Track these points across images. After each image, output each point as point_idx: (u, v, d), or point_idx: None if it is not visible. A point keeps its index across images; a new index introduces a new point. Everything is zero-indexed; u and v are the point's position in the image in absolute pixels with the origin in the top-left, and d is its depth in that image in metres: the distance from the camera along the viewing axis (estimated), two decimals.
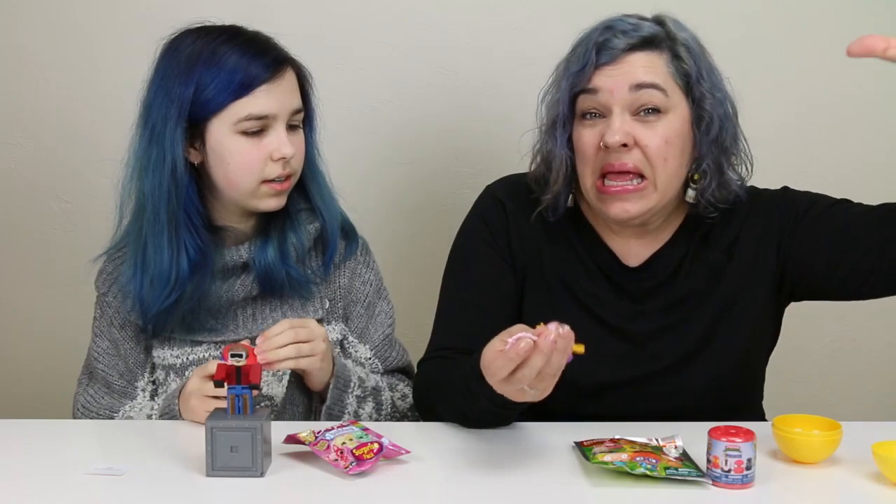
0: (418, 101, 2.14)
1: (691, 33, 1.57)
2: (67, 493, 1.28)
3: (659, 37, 1.54)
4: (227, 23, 1.63)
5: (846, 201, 1.61)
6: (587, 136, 1.55)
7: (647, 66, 1.52)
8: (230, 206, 1.64)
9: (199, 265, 1.59)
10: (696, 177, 1.57)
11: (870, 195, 2.19)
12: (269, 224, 1.66)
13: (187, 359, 1.65)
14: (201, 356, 1.64)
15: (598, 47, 1.52)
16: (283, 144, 1.57)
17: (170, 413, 1.57)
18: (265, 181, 1.58)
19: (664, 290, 1.60)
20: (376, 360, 1.74)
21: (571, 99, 1.56)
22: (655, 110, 1.52)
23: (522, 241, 1.63)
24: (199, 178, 1.62)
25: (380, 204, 2.17)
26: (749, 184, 1.64)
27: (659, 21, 1.57)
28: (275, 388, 1.63)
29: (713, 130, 1.54)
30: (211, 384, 1.49)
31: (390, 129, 2.19)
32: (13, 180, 2.18)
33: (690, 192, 1.57)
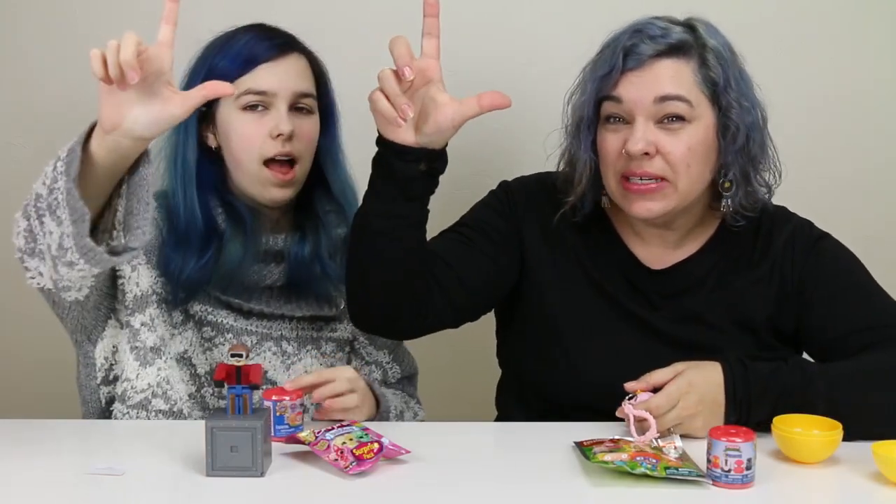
0: None
1: (723, 39, 1.55)
2: (67, 493, 1.28)
3: (688, 44, 1.52)
4: (226, 23, 1.64)
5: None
6: (610, 140, 1.54)
7: (674, 76, 1.51)
8: (248, 199, 1.64)
9: (234, 230, 1.60)
10: (726, 184, 1.55)
11: (870, 195, 2.18)
12: (303, 222, 1.68)
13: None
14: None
15: (626, 52, 1.51)
16: (281, 121, 1.58)
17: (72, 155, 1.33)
18: (267, 163, 1.59)
19: (680, 299, 1.59)
20: (395, 365, 1.78)
21: (596, 103, 1.55)
22: (680, 118, 1.51)
23: (535, 225, 1.63)
24: (223, 167, 1.64)
25: None
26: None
27: (690, 26, 1.54)
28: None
29: (739, 140, 1.53)
30: None
31: None
32: (13, 180, 2.17)
33: (723, 203, 1.56)
